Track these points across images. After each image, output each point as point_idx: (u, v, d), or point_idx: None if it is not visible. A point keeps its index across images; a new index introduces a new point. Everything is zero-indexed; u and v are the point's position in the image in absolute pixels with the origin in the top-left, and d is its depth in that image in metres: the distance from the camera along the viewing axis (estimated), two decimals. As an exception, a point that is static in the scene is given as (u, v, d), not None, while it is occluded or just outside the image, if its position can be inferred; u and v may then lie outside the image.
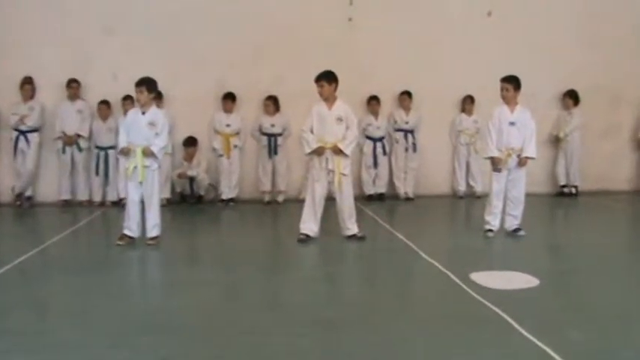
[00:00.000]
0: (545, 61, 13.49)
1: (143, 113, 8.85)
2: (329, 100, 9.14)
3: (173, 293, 6.96)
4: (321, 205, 9.23)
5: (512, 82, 9.26)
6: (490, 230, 9.44)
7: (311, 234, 9.20)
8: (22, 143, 12.49)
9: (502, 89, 9.32)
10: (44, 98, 12.74)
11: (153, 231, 8.96)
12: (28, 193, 12.74)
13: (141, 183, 8.82)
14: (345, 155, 9.10)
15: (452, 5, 13.57)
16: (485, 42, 13.50)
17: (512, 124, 9.29)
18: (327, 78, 9.07)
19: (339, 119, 9.12)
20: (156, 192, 8.96)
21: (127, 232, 8.94)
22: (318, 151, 9.08)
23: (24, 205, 12.58)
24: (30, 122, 12.49)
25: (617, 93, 14.07)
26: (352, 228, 9.27)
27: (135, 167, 8.78)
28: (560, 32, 13.78)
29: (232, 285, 7.29)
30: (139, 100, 8.86)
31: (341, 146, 9.02)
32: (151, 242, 8.90)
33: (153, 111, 8.92)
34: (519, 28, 13.64)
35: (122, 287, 7.16)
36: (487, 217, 9.47)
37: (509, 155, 9.29)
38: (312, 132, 9.13)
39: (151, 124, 8.82)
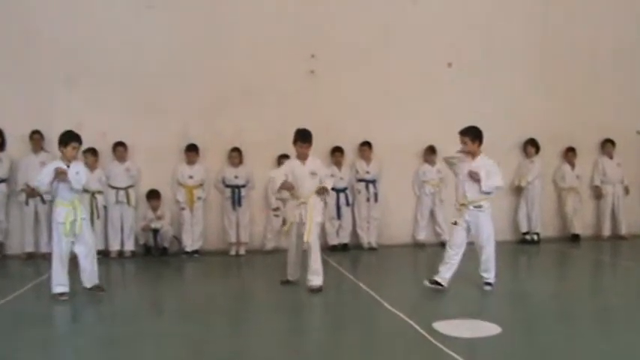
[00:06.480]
0: (504, 111, 13.71)
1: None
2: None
3: (137, 347, 6.92)
4: None
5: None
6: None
7: None
8: None
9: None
10: (8, 150, 12.68)
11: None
12: None
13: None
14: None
15: (413, 56, 13.73)
16: (446, 93, 13.71)
17: None
18: None
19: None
20: None
21: None
22: None
23: None
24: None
25: (574, 141, 14.34)
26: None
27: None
28: (519, 82, 14.08)
29: (197, 338, 7.27)
30: None
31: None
32: None
33: None
34: (479, 79, 13.92)
35: (86, 341, 7.11)
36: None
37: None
38: None
39: None
